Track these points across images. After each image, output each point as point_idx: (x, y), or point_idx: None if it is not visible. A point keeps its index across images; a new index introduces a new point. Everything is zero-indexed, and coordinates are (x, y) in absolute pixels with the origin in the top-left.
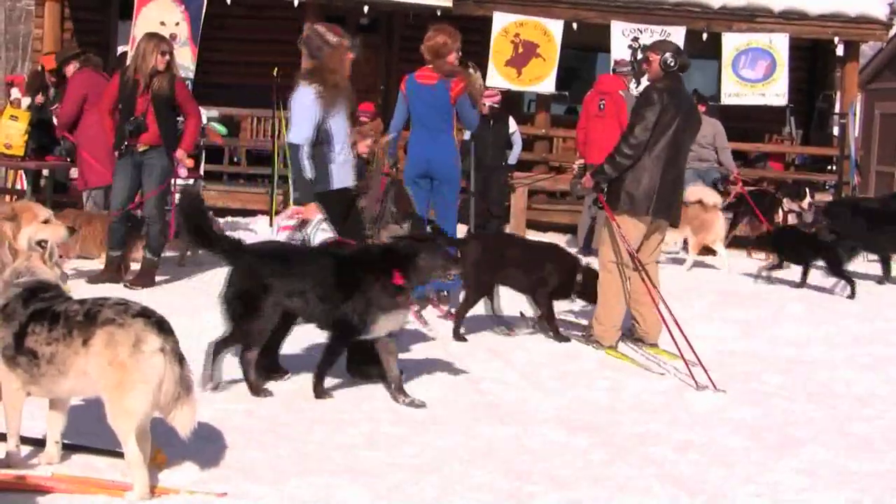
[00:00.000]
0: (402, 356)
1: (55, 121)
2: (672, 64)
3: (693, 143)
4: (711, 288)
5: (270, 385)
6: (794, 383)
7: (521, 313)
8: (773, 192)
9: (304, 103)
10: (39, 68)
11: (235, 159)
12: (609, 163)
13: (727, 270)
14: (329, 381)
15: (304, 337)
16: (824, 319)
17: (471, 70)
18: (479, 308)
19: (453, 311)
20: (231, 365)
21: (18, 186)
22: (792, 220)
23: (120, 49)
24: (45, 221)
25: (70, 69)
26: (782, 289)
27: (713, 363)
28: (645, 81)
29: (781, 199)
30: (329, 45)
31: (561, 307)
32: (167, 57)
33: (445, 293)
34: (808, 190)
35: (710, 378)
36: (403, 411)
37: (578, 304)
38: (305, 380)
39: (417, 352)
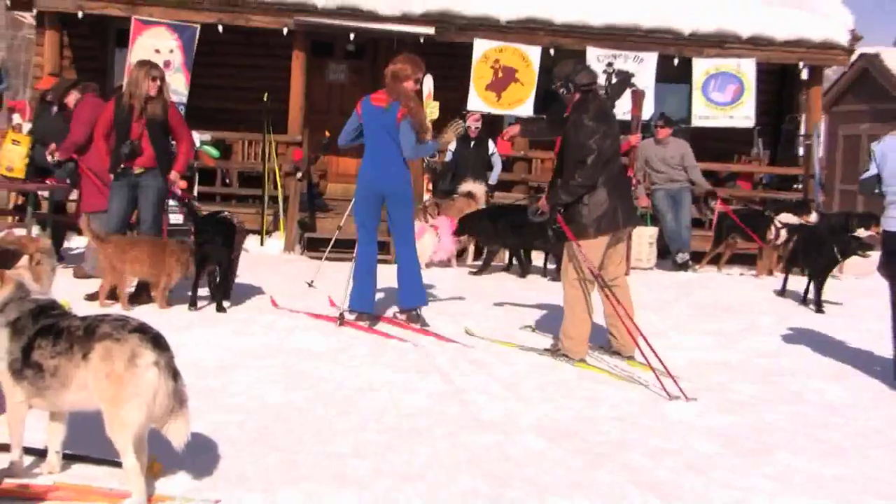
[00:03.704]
0: (391, 369)
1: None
2: (566, 92)
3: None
4: (688, 301)
5: (261, 397)
6: (766, 392)
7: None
8: (763, 211)
9: None
10: (39, 95)
11: (227, 181)
12: (565, 190)
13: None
14: (315, 393)
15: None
16: (794, 331)
17: (459, 120)
18: (462, 324)
19: (424, 328)
20: (219, 375)
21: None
22: (784, 235)
23: (119, 81)
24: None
25: (71, 99)
26: (755, 302)
27: (689, 373)
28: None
29: (774, 218)
30: None
31: (522, 322)
32: (158, 82)
33: (415, 312)
34: (811, 205)
35: (680, 388)
36: (390, 421)
37: (542, 320)
38: (294, 391)
39: (405, 365)
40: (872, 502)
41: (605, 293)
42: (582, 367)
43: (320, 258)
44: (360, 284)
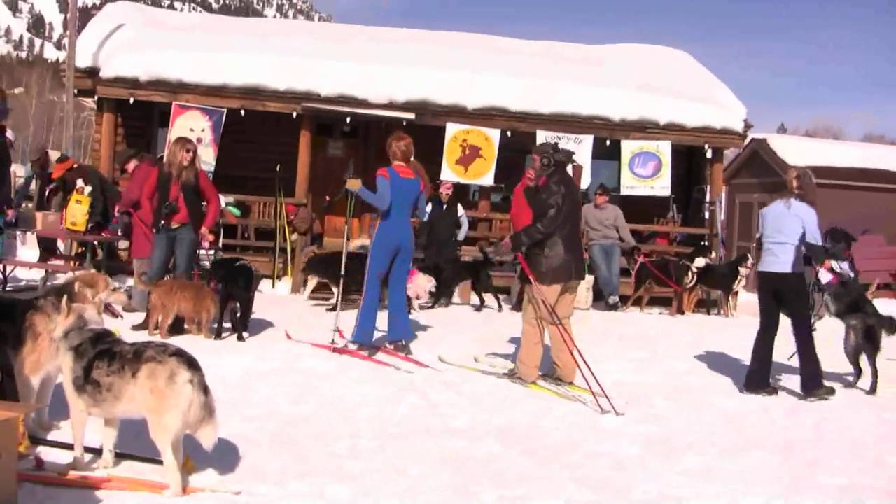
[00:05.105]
0: (378, 389)
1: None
2: (548, 163)
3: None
4: (616, 334)
5: (274, 408)
6: (677, 406)
7: (475, 358)
8: (678, 260)
9: None
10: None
11: (246, 235)
12: (526, 233)
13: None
14: (319, 406)
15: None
16: (698, 357)
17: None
18: (436, 352)
19: (407, 356)
20: (240, 390)
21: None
22: (695, 280)
23: (160, 154)
24: (114, 289)
25: (131, 165)
26: (668, 335)
27: (616, 392)
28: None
29: (689, 266)
30: None
31: (484, 350)
32: (190, 154)
33: (402, 343)
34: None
35: (612, 405)
36: (379, 428)
37: (502, 350)
38: (301, 404)
39: (391, 384)
40: (761, 490)
41: (557, 329)
42: (533, 387)
43: (320, 299)
44: (364, 322)
